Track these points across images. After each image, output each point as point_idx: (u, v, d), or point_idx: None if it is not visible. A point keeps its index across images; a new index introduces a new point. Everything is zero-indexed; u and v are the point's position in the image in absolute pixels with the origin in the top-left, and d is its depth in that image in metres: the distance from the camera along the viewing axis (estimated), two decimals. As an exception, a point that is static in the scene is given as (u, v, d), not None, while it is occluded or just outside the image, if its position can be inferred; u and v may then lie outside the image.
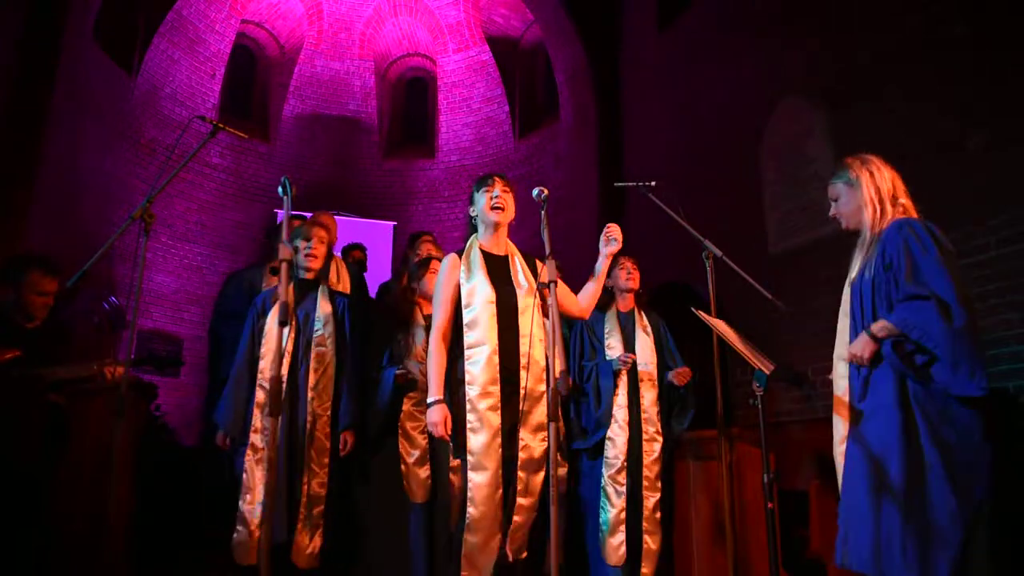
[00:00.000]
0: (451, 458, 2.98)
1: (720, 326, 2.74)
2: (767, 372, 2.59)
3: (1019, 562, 2.33)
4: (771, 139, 4.96)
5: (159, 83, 7.95)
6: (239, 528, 2.85)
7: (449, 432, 2.45)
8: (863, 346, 2.10)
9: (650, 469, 3.28)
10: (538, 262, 2.71)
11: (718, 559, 3.32)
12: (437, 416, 2.45)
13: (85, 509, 3.05)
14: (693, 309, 2.85)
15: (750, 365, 2.62)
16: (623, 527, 3.22)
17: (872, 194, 2.20)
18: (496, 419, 2.44)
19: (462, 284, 2.57)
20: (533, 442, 2.48)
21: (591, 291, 2.72)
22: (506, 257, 2.66)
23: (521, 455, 2.46)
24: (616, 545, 3.21)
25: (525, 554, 2.49)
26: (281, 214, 2.49)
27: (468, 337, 2.52)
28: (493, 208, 2.61)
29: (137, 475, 3.39)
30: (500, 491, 2.41)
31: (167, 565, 3.87)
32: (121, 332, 6.26)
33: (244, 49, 9.23)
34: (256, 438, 2.91)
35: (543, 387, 2.54)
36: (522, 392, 2.49)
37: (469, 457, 2.43)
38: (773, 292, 2.91)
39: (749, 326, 3.14)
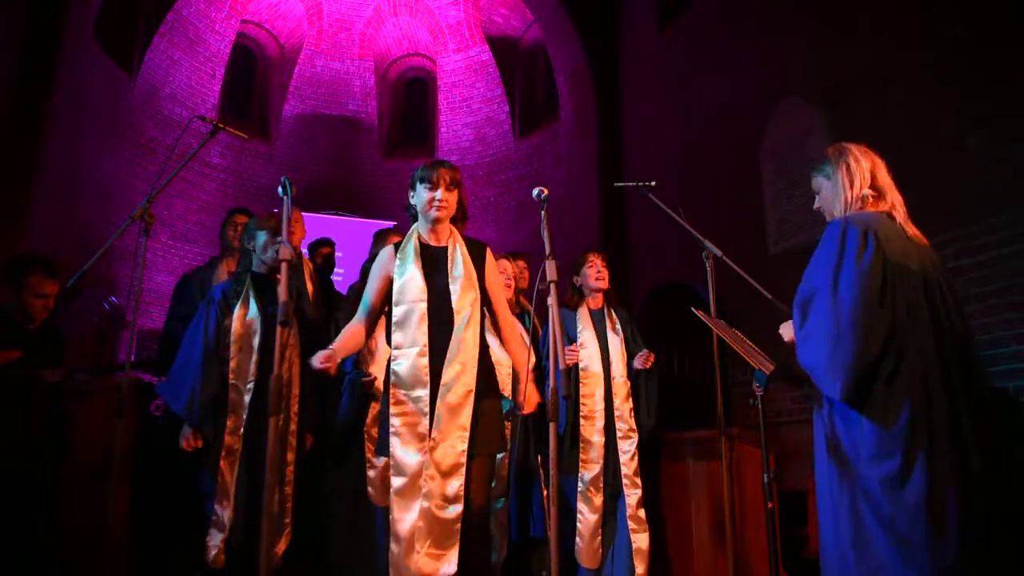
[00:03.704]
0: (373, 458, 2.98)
1: (720, 326, 2.74)
2: (767, 372, 2.59)
3: (1019, 562, 2.33)
4: (771, 139, 4.97)
5: (159, 83, 7.95)
6: (213, 532, 2.77)
7: (327, 362, 2.30)
8: (786, 330, 2.18)
9: (628, 467, 3.25)
10: (490, 253, 2.58)
11: (718, 559, 3.32)
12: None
13: (85, 509, 3.05)
14: (693, 309, 2.85)
15: (750, 365, 2.62)
16: (601, 530, 3.20)
17: (844, 188, 2.12)
18: (422, 423, 2.32)
19: (394, 279, 2.44)
20: (448, 447, 2.30)
21: (517, 351, 2.62)
22: (445, 248, 2.52)
23: (434, 457, 2.29)
24: (595, 548, 3.18)
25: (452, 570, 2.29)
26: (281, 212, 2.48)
27: (396, 336, 2.39)
28: (434, 208, 2.47)
29: (137, 475, 3.39)
30: (419, 500, 2.27)
31: (166, 565, 3.87)
32: (121, 332, 6.26)
33: (244, 49, 9.22)
34: (231, 440, 2.82)
35: (467, 387, 2.34)
36: (440, 390, 2.32)
37: (392, 461, 2.32)
38: (773, 292, 2.91)
39: (749, 326, 3.14)
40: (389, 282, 2.47)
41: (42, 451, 2.99)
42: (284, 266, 2.17)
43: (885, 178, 2.13)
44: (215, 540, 2.78)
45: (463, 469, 2.31)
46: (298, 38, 9.44)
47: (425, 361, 2.34)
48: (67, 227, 6.07)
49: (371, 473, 3.10)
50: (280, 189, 2.28)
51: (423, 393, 2.33)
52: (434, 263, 2.48)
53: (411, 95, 10.05)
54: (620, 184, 3.34)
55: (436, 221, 2.50)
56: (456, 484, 2.30)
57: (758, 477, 2.88)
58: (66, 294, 3.08)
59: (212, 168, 8.57)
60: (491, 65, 9.36)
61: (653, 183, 3.12)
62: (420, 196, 2.49)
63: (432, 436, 2.30)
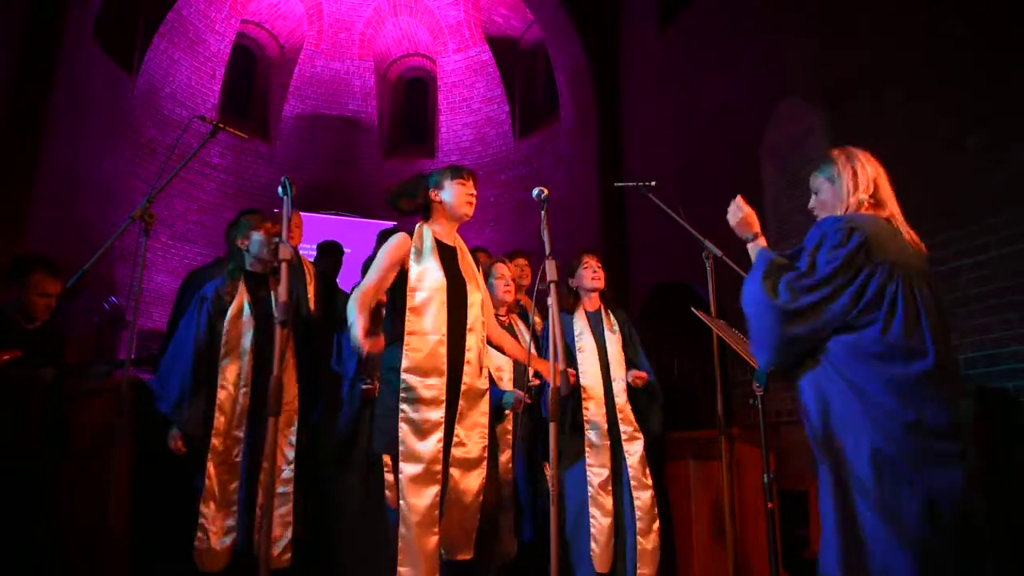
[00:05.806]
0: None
1: (720, 326, 2.74)
2: (767, 372, 2.59)
3: (1020, 562, 2.33)
4: (771, 139, 4.97)
5: (159, 83, 7.95)
6: (200, 536, 2.75)
7: (374, 347, 2.29)
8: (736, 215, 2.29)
9: (634, 468, 3.21)
10: (482, 256, 2.67)
11: (718, 559, 3.32)
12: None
13: (85, 509, 3.05)
14: (693, 309, 2.84)
15: (750, 365, 2.62)
16: (614, 534, 3.16)
17: (848, 193, 2.10)
18: (436, 412, 2.34)
19: (411, 266, 2.45)
20: (470, 441, 2.38)
21: (512, 347, 2.78)
22: (455, 248, 2.58)
23: (455, 452, 2.35)
24: (609, 554, 3.16)
25: (469, 555, 2.37)
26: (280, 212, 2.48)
27: (412, 323, 2.38)
28: (468, 203, 2.56)
29: (137, 475, 3.38)
30: (436, 487, 2.29)
31: (167, 565, 3.86)
32: (121, 332, 6.26)
33: (244, 49, 9.23)
34: (217, 442, 2.79)
35: (483, 384, 2.46)
36: (462, 388, 2.40)
37: (401, 448, 2.31)
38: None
39: (749, 326, 3.13)
40: (399, 269, 2.46)
41: (42, 451, 2.98)
42: (284, 266, 2.17)
43: (887, 188, 2.12)
44: (203, 544, 2.75)
45: (484, 462, 2.41)
46: (298, 38, 9.44)
47: (443, 350, 2.38)
48: (67, 227, 6.07)
49: (389, 476, 3.08)
50: (280, 189, 2.27)
51: (438, 381, 2.36)
52: (449, 259, 2.52)
53: (411, 95, 10.05)
54: (620, 184, 3.33)
55: (464, 217, 2.58)
56: (475, 477, 2.38)
57: (758, 477, 2.88)
58: (66, 294, 3.08)
59: (212, 168, 8.57)
60: (491, 65, 9.36)
61: (653, 183, 3.12)
62: (452, 191, 2.55)
63: (456, 432, 2.36)
